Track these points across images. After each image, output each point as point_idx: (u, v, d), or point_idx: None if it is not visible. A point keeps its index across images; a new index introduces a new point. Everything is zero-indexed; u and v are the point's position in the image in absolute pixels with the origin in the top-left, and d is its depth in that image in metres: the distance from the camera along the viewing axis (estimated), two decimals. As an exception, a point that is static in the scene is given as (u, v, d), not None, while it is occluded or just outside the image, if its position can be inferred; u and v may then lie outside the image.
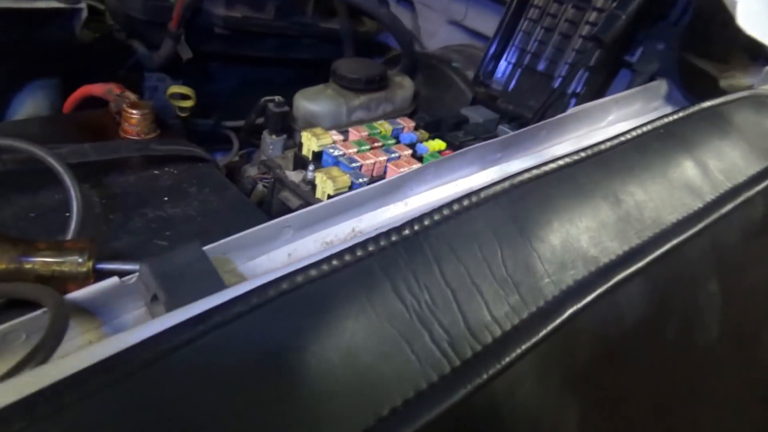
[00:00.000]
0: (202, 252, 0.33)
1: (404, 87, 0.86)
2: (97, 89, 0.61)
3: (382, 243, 0.29)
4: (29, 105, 0.68)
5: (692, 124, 0.46)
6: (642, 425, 0.40)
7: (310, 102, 0.78)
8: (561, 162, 0.39)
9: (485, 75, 0.82)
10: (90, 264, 0.35)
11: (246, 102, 0.86)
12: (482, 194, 0.33)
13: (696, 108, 0.49)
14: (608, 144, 0.42)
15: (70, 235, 0.39)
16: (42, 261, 0.33)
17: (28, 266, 0.33)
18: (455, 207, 0.32)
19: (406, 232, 0.30)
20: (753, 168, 0.47)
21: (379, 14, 0.88)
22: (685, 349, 0.43)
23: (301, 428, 0.23)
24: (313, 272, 0.27)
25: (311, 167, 0.61)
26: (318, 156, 0.63)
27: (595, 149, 0.41)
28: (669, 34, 0.74)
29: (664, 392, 0.42)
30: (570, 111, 0.57)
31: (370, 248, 0.29)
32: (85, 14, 0.70)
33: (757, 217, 0.48)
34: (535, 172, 0.37)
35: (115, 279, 0.32)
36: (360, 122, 0.77)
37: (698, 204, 0.41)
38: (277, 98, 0.78)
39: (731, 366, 0.51)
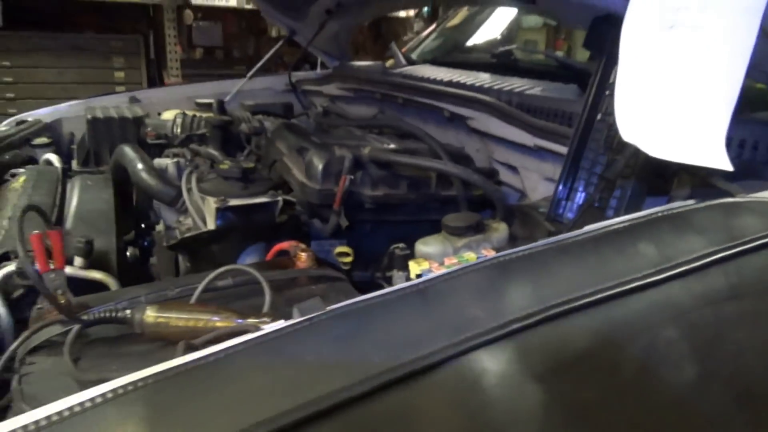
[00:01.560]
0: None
1: (499, 230, 1.13)
2: (285, 245, 0.98)
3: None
4: (248, 258, 1.09)
5: (652, 224, 0.67)
6: None
7: (424, 246, 1.08)
8: (544, 248, 0.63)
9: (556, 213, 1.06)
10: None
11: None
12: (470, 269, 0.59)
13: (664, 212, 0.70)
14: (581, 237, 0.65)
15: (265, 310, 0.71)
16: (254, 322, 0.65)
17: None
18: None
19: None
20: (704, 249, 0.65)
21: (473, 180, 1.19)
22: (652, 383, 0.59)
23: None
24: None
25: (414, 283, 0.89)
26: (419, 276, 0.91)
27: (575, 239, 0.64)
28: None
29: (632, 413, 0.58)
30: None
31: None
32: (280, 204, 1.12)
33: (723, 285, 0.65)
34: (525, 252, 0.61)
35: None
36: (463, 257, 1.04)
37: (639, 271, 0.60)
38: (401, 245, 1.09)
39: (729, 418, 0.63)
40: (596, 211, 1.00)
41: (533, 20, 2.85)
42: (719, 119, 0.69)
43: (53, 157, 1.90)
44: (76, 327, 0.68)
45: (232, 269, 0.83)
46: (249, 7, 5.31)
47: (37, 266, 0.71)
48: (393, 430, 0.49)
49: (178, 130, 1.95)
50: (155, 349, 0.69)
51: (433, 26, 2.76)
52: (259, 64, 2.55)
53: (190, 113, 2.00)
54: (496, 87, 1.40)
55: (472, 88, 1.44)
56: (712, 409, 0.62)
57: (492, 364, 0.53)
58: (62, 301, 0.73)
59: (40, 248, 0.71)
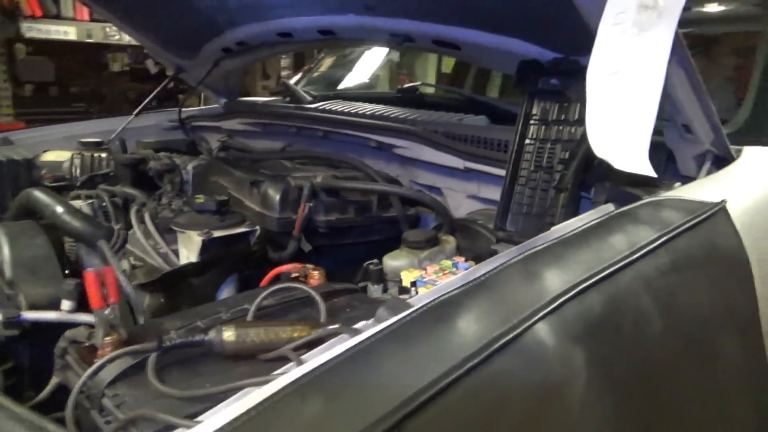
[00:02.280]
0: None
1: (450, 242, 1.30)
2: (287, 268, 1.05)
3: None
4: (227, 288, 1.12)
5: (611, 220, 0.88)
6: (623, 379, 0.76)
7: (394, 260, 1.21)
8: (553, 242, 0.80)
9: (501, 224, 1.26)
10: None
11: (337, 274, 1.30)
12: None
13: (616, 211, 0.92)
14: (572, 233, 0.84)
15: (322, 320, 0.79)
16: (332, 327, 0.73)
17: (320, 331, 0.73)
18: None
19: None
20: (653, 235, 0.87)
21: (425, 200, 1.35)
22: (639, 336, 0.79)
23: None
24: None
25: (413, 290, 1.02)
26: (414, 283, 1.04)
27: (567, 235, 0.83)
28: (612, 177, 1.19)
29: (632, 357, 0.78)
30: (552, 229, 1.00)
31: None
32: (258, 233, 1.18)
33: (667, 260, 0.87)
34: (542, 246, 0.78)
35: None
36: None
37: (616, 257, 0.80)
38: (375, 261, 1.21)
39: (683, 356, 0.86)
40: (534, 218, 1.22)
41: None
42: (644, 138, 0.94)
43: (-71, 208, 1.70)
44: (153, 354, 0.70)
45: (284, 287, 0.89)
46: (90, 41, 5.00)
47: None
48: (498, 386, 0.62)
49: (78, 171, 1.85)
50: (231, 365, 0.73)
51: (310, 66, 2.91)
52: (145, 102, 2.48)
53: (87, 153, 1.91)
54: (420, 119, 1.59)
55: (397, 119, 1.62)
56: (671, 351, 0.84)
57: (549, 331, 0.69)
58: (115, 336, 0.74)
59: (96, 285, 0.71)
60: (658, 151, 1.28)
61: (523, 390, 0.63)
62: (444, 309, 0.66)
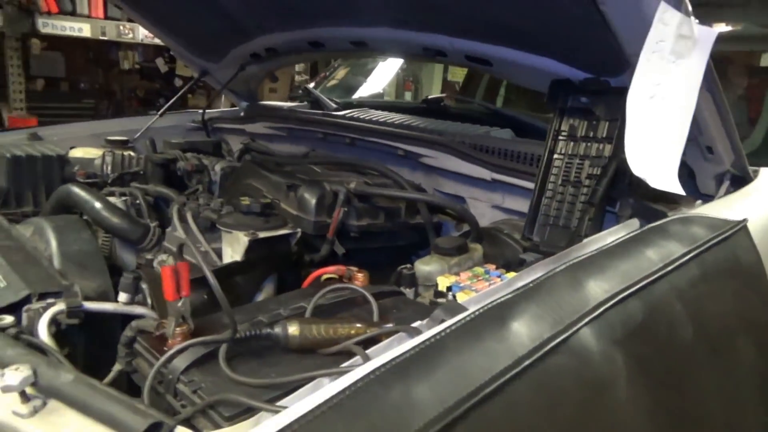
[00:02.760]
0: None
1: (478, 250, 1.36)
2: (330, 270, 1.10)
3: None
4: (267, 287, 1.18)
5: (645, 234, 0.95)
6: (659, 378, 0.82)
7: (425, 265, 1.27)
8: (594, 253, 0.86)
9: (528, 233, 1.32)
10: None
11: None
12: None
13: (648, 226, 0.98)
14: (611, 245, 0.90)
15: (375, 319, 0.85)
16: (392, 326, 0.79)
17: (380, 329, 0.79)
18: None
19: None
20: (684, 249, 0.93)
21: (455, 207, 1.41)
22: (672, 340, 0.85)
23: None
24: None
25: (450, 295, 1.08)
26: (450, 288, 1.10)
27: (606, 247, 0.89)
28: (636, 192, 1.26)
29: (667, 362, 0.84)
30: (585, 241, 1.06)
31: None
32: (299, 235, 1.23)
33: (697, 273, 0.94)
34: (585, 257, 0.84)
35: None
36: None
37: (653, 268, 0.86)
38: (408, 266, 1.27)
39: (708, 359, 0.92)
40: (559, 229, 1.28)
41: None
42: (676, 157, 1.00)
43: (-36, 200, 1.75)
44: (224, 344, 0.75)
45: (337, 287, 0.95)
46: (104, 38, 5.04)
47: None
48: (554, 383, 0.68)
49: (109, 169, 1.90)
50: (296, 358, 0.78)
51: (325, 73, 2.98)
52: (170, 102, 2.54)
53: (117, 152, 1.96)
54: (448, 130, 1.66)
55: (425, 130, 1.68)
56: (699, 355, 0.91)
57: (594, 334, 0.75)
58: (185, 327, 0.79)
59: (171, 279, 0.77)
60: (681, 169, 1.36)
61: (576, 385, 0.69)
62: (499, 311, 0.72)
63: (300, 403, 0.56)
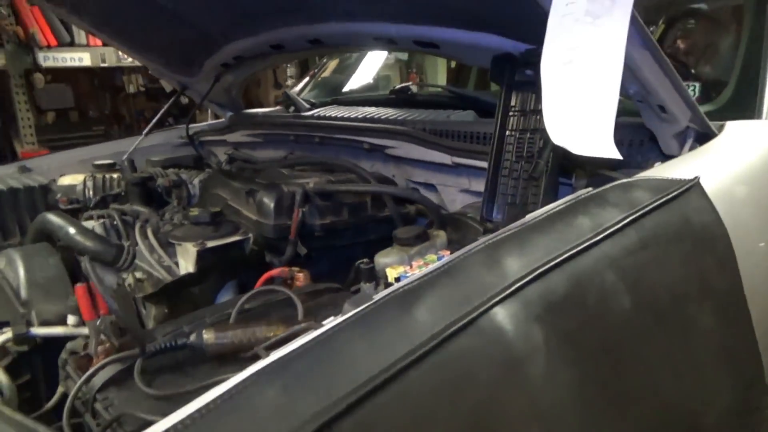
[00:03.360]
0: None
1: (440, 236, 1.34)
2: (275, 272, 1.10)
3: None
4: (226, 294, 1.18)
5: (579, 203, 0.91)
6: (587, 351, 0.79)
7: (384, 258, 1.25)
8: (518, 228, 0.83)
9: (488, 215, 1.30)
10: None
11: (336, 274, 1.35)
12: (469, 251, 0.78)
13: (584, 194, 0.94)
14: (537, 218, 0.87)
15: (299, 318, 0.84)
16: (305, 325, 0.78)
17: (291, 329, 0.78)
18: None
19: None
20: (619, 216, 0.90)
21: (413, 197, 1.39)
22: (605, 312, 0.82)
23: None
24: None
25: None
26: (398, 279, 1.08)
27: (531, 221, 0.86)
28: (593, 162, 1.22)
29: (598, 336, 0.80)
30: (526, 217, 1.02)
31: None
32: (252, 241, 1.23)
33: (635, 239, 0.90)
34: (507, 233, 0.81)
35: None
36: (417, 261, 1.23)
37: (581, 239, 0.83)
38: (366, 260, 1.25)
39: (652, 329, 0.88)
40: (518, 207, 1.25)
41: (387, 59, 3.19)
42: (607, 122, 0.96)
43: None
44: (139, 358, 0.76)
45: (265, 290, 0.95)
46: (104, 65, 5.14)
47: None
48: (459, 365, 0.66)
49: (91, 193, 1.94)
50: (215, 365, 0.78)
51: (314, 72, 2.98)
52: (153, 121, 2.56)
53: (99, 175, 2.00)
54: (409, 118, 1.63)
55: (387, 121, 1.66)
56: (641, 325, 0.87)
57: (509, 312, 0.72)
58: (108, 345, 0.79)
59: (86, 298, 0.77)
60: (640, 132, 1.31)
61: (485, 366, 0.67)
62: (404, 298, 0.70)
63: (180, 411, 0.56)
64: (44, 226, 1.60)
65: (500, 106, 1.28)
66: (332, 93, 2.68)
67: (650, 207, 0.93)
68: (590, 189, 1.15)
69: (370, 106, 1.95)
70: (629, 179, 1.02)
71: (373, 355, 0.62)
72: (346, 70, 2.91)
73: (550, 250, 0.80)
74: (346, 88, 2.77)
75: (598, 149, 0.94)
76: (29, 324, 1.06)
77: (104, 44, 5.00)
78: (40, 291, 1.27)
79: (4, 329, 1.01)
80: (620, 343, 0.83)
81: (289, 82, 4.61)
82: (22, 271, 1.33)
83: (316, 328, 0.73)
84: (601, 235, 0.85)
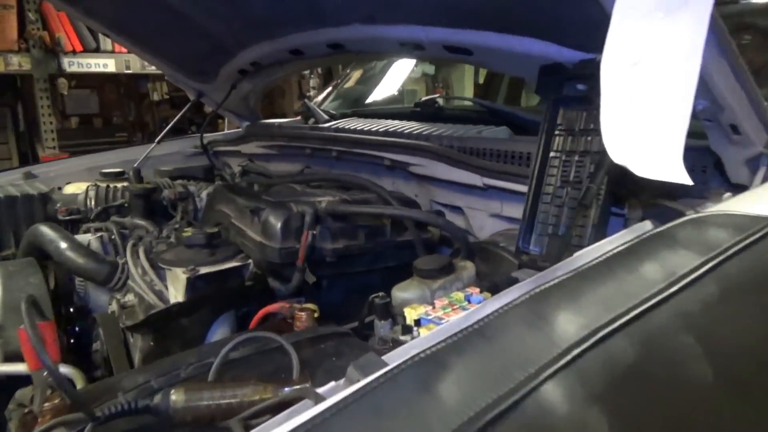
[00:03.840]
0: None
1: (467, 268, 1.17)
2: (274, 307, 0.95)
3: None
4: (220, 329, 1.03)
5: (644, 243, 0.74)
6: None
7: (402, 292, 1.09)
8: (569, 275, 0.67)
9: (524, 246, 1.12)
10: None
11: (351, 305, 1.18)
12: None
13: (649, 233, 0.77)
14: (593, 263, 0.70)
15: (294, 375, 0.68)
16: (290, 390, 0.62)
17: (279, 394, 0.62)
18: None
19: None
20: (696, 261, 0.72)
21: (437, 223, 1.23)
22: (679, 385, 0.64)
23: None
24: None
25: (415, 330, 0.90)
26: (418, 322, 0.92)
27: (585, 267, 0.69)
28: (649, 189, 1.04)
29: (670, 416, 0.63)
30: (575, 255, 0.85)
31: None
32: (252, 267, 1.08)
33: (714, 290, 0.72)
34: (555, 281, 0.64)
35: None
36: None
37: (650, 291, 0.66)
38: (381, 294, 1.09)
39: (733, 404, 0.70)
40: (561, 238, 1.08)
41: (414, 72, 3.03)
42: (677, 141, 0.78)
43: (-55, 247, 1.69)
44: (89, 426, 0.61)
45: (252, 337, 0.79)
46: (128, 72, 5.11)
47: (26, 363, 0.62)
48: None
49: (93, 203, 1.82)
50: (185, 436, 0.63)
51: (336, 82, 2.84)
52: (167, 129, 2.46)
53: (102, 184, 1.88)
54: (435, 133, 1.48)
55: (411, 136, 1.50)
56: (721, 397, 0.69)
57: (561, 391, 0.55)
58: (57, 400, 0.65)
59: (28, 344, 0.63)
60: (703, 157, 1.13)
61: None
62: (425, 369, 0.54)
63: None
64: (35, 239, 1.48)
65: (545, 124, 1.11)
66: (355, 104, 2.54)
67: (732, 250, 0.76)
68: (647, 222, 0.97)
69: (393, 119, 1.80)
70: (700, 214, 0.85)
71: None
72: (369, 81, 2.77)
73: (611, 305, 0.63)
74: (368, 100, 2.62)
75: (666, 172, 0.76)
76: (-9, 357, 0.93)
77: (129, 51, 4.99)
78: (15, 315, 1.13)
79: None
80: (697, 424, 0.65)
81: (312, 93, 4.49)
82: (-1, 291, 1.20)
83: (310, 397, 0.57)
84: (675, 286, 0.68)
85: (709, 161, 1.11)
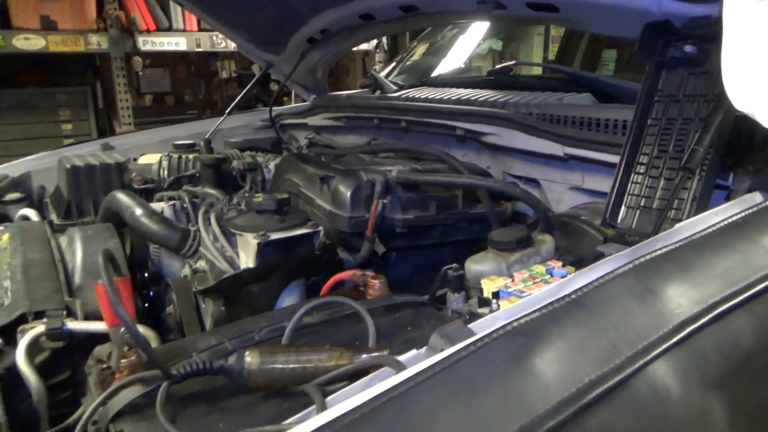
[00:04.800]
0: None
1: (546, 242, 1.10)
2: (345, 275, 0.91)
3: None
4: (290, 296, 1.01)
5: (763, 214, 0.65)
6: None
7: (477, 264, 1.03)
8: (678, 245, 0.59)
9: (612, 219, 1.04)
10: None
11: (419, 280, 1.14)
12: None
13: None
14: (706, 232, 0.62)
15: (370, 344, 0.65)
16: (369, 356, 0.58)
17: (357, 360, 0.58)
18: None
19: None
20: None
21: (515, 193, 1.16)
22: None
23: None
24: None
25: (494, 303, 0.84)
26: (496, 294, 0.86)
27: (698, 235, 0.61)
28: (759, 158, 0.93)
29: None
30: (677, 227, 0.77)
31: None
32: (321, 235, 1.05)
33: None
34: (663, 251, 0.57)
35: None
36: (519, 273, 1.00)
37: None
38: (454, 265, 1.04)
39: None
40: (655, 212, 0.99)
41: (480, 48, 2.92)
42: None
43: (30, 212, 1.77)
44: (164, 384, 0.59)
45: (328, 302, 0.76)
46: (199, 50, 5.22)
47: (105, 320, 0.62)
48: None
49: (165, 173, 1.85)
50: (258, 399, 0.61)
51: (402, 55, 2.77)
52: (237, 100, 2.49)
53: (174, 155, 1.91)
54: (512, 101, 1.40)
55: (486, 104, 1.43)
56: None
57: (674, 372, 0.49)
58: (134, 357, 0.64)
59: (105, 299, 0.62)
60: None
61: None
62: (519, 341, 0.49)
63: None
64: (112, 205, 1.51)
65: (645, 88, 1.01)
66: (421, 77, 2.47)
67: None
68: (756, 194, 0.87)
69: (465, 87, 1.73)
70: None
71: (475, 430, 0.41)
72: (436, 54, 2.68)
73: (730, 279, 0.56)
74: (435, 73, 2.54)
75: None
76: (71, 315, 0.94)
77: (200, 29, 5.09)
78: (93, 277, 1.15)
79: (42, 320, 0.90)
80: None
81: (377, 67, 4.44)
82: (79, 254, 1.23)
83: (391, 365, 0.53)
84: (804, 261, 0.59)
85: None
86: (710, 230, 0.62)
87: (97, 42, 4.54)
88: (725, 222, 0.64)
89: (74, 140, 4.66)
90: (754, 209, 0.67)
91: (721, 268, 0.57)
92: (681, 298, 0.53)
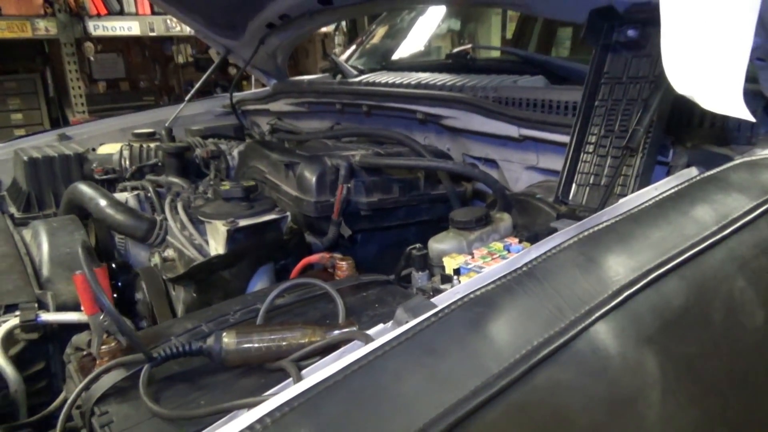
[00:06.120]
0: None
1: (504, 220, 1.16)
2: (314, 258, 0.95)
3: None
4: (260, 280, 1.05)
5: (695, 187, 0.72)
6: (713, 384, 0.60)
7: (439, 243, 1.09)
8: (618, 219, 0.65)
9: (564, 196, 1.10)
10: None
11: (385, 260, 1.18)
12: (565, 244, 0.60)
13: (700, 176, 0.75)
14: (643, 206, 0.68)
15: (340, 320, 0.69)
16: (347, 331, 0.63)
17: (328, 336, 0.63)
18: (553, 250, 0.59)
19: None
20: (750, 204, 0.70)
21: (474, 174, 1.21)
22: (734, 330, 0.63)
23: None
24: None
25: (455, 279, 0.90)
26: (457, 271, 0.92)
27: (636, 209, 0.67)
28: (695, 135, 1.01)
29: (726, 360, 0.62)
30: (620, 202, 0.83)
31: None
32: (288, 220, 1.09)
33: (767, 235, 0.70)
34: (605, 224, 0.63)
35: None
36: (478, 249, 1.06)
37: (703, 233, 0.64)
38: (418, 245, 1.09)
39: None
40: (603, 189, 1.05)
41: (439, 28, 2.95)
42: (738, 74, 0.75)
43: (-12, 206, 1.74)
44: (146, 366, 0.62)
45: (299, 283, 0.80)
46: (152, 34, 5.09)
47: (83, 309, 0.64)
48: (547, 404, 0.49)
49: (127, 163, 1.84)
50: (236, 377, 0.64)
51: (361, 39, 2.79)
52: (195, 88, 2.47)
53: (135, 144, 1.89)
54: (469, 84, 1.44)
55: (444, 87, 1.47)
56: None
57: (613, 331, 0.55)
58: (113, 344, 0.67)
59: (86, 289, 0.65)
60: (753, 101, 1.08)
61: (582, 407, 0.50)
62: (475, 310, 0.54)
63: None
64: (75, 197, 1.51)
65: (592, 70, 1.07)
66: (381, 61, 2.49)
67: (787, 193, 0.73)
68: (692, 168, 0.94)
69: (424, 71, 1.77)
70: (753, 157, 0.82)
71: (434, 392, 0.46)
72: (395, 37, 2.71)
73: (663, 247, 0.62)
74: (395, 56, 2.57)
75: (727, 105, 0.73)
76: (42, 307, 0.96)
77: (152, 13, 4.96)
78: (61, 269, 1.16)
79: (15, 313, 0.91)
80: (752, 370, 0.64)
81: (337, 50, 4.43)
82: (45, 247, 1.23)
83: (360, 338, 0.58)
84: (729, 229, 0.66)
85: (759, 105, 1.06)
86: (648, 204, 0.69)
87: (45, 27, 4.39)
88: (661, 196, 0.71)
89: (25, 130, 4.52)
90: (687, 183, 0.73)
91: (655, 238, 0.63)
92: (619, 267, 0.59)
